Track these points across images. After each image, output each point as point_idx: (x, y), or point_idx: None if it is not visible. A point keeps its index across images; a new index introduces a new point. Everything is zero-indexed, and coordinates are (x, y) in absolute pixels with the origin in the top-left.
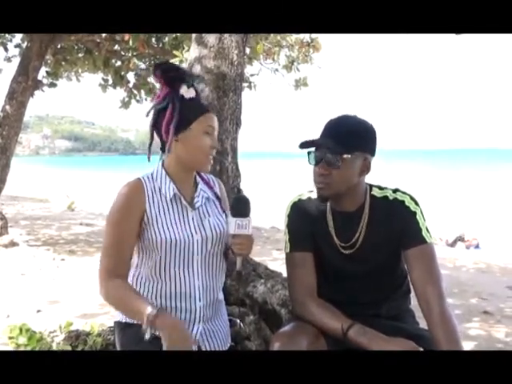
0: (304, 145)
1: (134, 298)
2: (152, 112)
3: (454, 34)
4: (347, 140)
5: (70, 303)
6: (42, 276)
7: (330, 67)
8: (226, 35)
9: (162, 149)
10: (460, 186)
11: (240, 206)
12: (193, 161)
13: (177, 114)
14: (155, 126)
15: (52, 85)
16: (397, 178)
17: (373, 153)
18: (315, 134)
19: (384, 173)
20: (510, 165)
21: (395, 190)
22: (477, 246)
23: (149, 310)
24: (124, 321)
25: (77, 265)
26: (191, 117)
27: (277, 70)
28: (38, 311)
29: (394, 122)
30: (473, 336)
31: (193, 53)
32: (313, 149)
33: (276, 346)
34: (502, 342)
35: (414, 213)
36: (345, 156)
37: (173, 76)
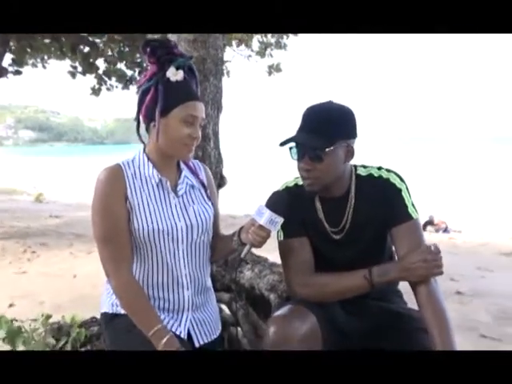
0: (284, 143)
1: (144, 309)
2: (139, 91)
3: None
4: (327, 132)
5: (42, 296)
6: (13, 269)
7: (305, 52)
8: None
9: (138, 130)
10: (421, 170)
11: (279, 203)
12: (170, 150)
13: (159, 99)
14: (138, 106)
15: (17, 72)
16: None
17: (354, 136)
18: (293, 125)
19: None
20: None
21: (379, 168)
22: (445, 230)
23: (156, 327)
24: (111, 312)
25: (48, 257)
26: (172, 103)
27: (250, 56)
28: (11, 305)
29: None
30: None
31: (171, 36)
32: (293, 144)
33: (272, 330)
34: (474, 320)
35: (400, 190)
36: (327, 150)
37: (162, 55)
